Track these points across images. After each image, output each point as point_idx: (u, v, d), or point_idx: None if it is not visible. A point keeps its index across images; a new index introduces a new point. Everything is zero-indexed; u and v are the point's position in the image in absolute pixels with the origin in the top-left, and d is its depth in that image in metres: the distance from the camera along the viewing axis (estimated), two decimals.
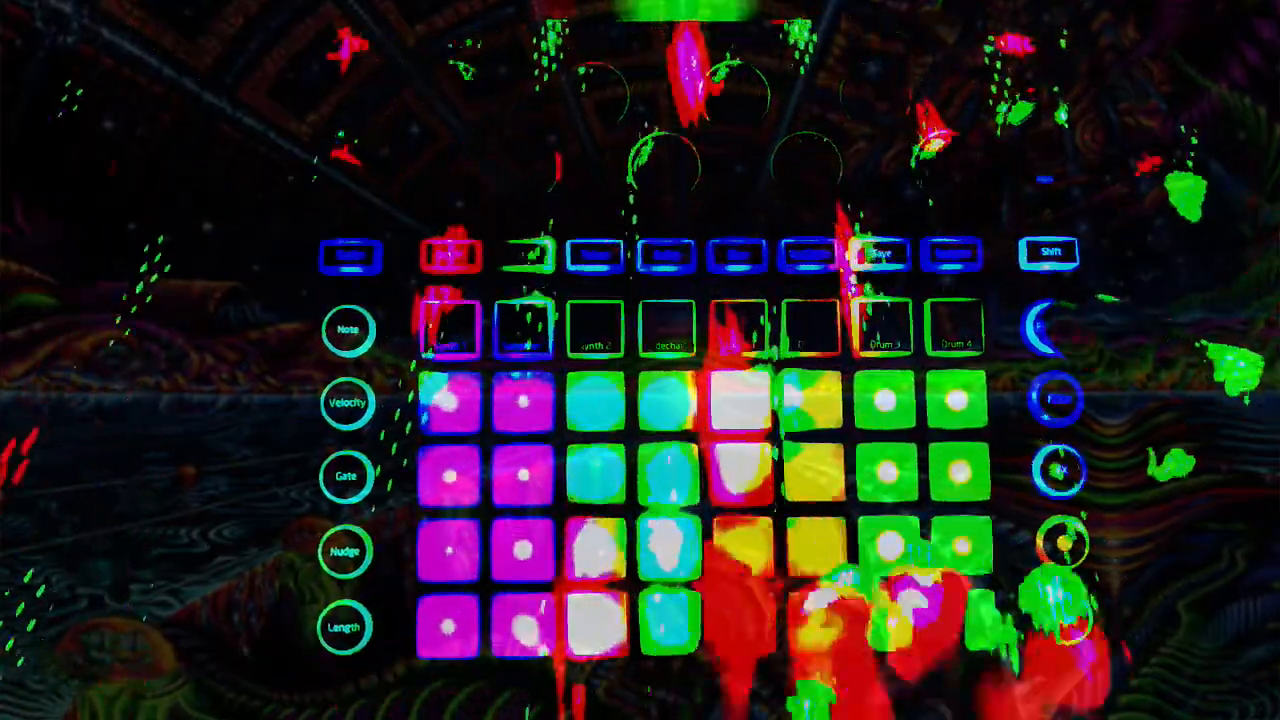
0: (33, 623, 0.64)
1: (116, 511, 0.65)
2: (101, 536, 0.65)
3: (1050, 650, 0.66)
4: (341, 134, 0.68)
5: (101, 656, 0.64)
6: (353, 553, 0.66)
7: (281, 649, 0.66)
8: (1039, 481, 0.68)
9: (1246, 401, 0.66)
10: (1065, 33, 0.68)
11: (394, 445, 0.67)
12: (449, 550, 0.66)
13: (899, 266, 0.69)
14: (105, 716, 0.64)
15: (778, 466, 0.68)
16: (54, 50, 0.67)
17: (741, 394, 0.69)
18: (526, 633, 0.66)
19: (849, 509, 0.68)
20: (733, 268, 0.69)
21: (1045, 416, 0.68)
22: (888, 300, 0.69)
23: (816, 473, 0.68)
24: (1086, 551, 0.67)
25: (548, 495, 0.67)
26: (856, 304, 0.69)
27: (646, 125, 0.70)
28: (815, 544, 0.67)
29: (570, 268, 0.69)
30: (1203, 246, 0.69)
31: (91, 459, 0.65)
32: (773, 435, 0.68)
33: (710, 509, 0.67)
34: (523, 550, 0.67)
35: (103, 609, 0.65)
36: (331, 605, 0.66)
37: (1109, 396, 0.69)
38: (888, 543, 0.67)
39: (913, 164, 0.70)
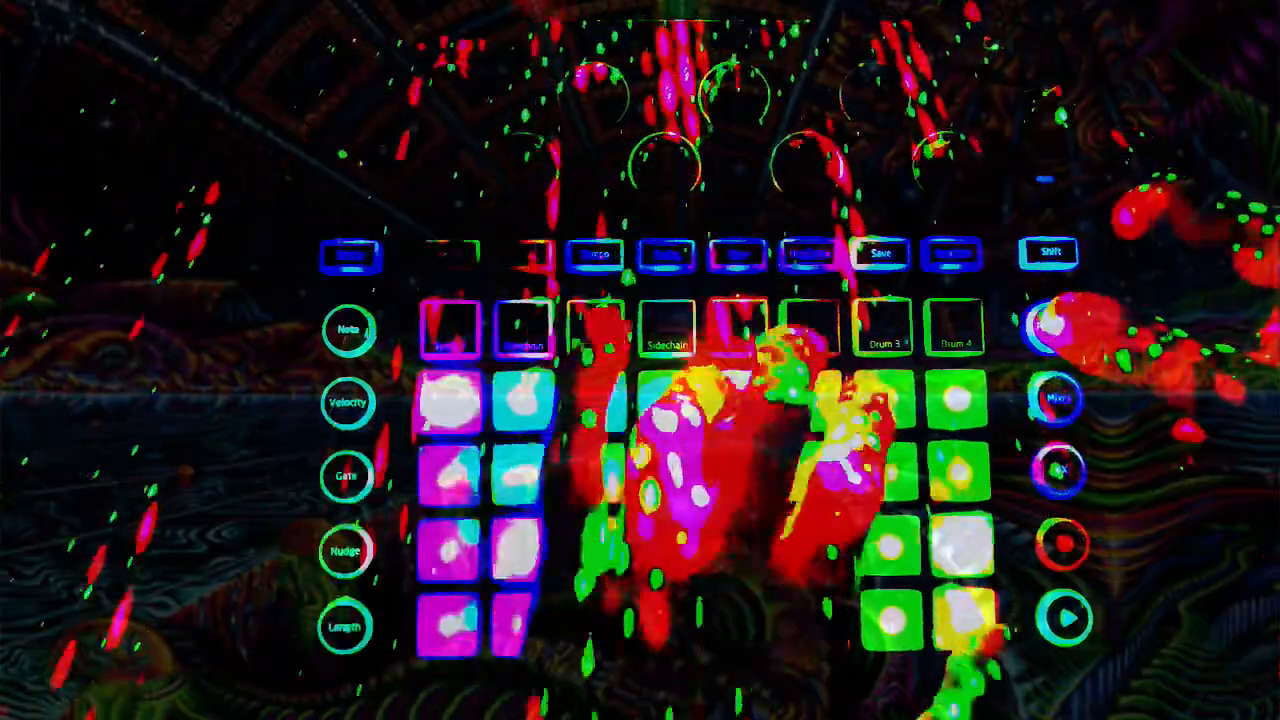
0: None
1: (114, 512, 0.65)
2: (99, 537, 0.65)
3: None
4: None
5: (99, 658, 0.64)
6: (353, 553, 0.66)
7: (280, 650, 0.65)
8: (1039, 481, 0.68)
9: None
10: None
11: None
12: (449, 550, 0.66)
13: (899, 266, 0.69)
14: (102, 718, 0.64)
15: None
16: (51, 48, 0.67)
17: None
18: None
19: None
20: (733, 268, 0.69)
21: (1045, 417, 0.68)
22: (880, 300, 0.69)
23: None
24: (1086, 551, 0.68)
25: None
26: (857, 304, 0.69)
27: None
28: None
29: (570, 268, 0.69)
30: (1203, 246, 0.69)
31: (89, 459, 0.65)
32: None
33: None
34: (522, 549, 0.67)
35: (100, 610, 0.64)
36: (332, 605, 0.65)
37: (1110, 397, 0.68)
38: (887, 544, 0.68)
39: (915, 171, 0.70)
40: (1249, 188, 0.69)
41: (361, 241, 0.68)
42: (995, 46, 0.67)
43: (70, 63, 0.67)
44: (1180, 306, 0.69)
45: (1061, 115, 0.71)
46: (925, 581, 0.67)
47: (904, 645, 0.67)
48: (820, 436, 0.65)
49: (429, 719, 0.65)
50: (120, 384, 0.66)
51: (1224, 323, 0.69)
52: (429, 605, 0.66)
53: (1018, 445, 0.68)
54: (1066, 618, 0.67)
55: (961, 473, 0.68)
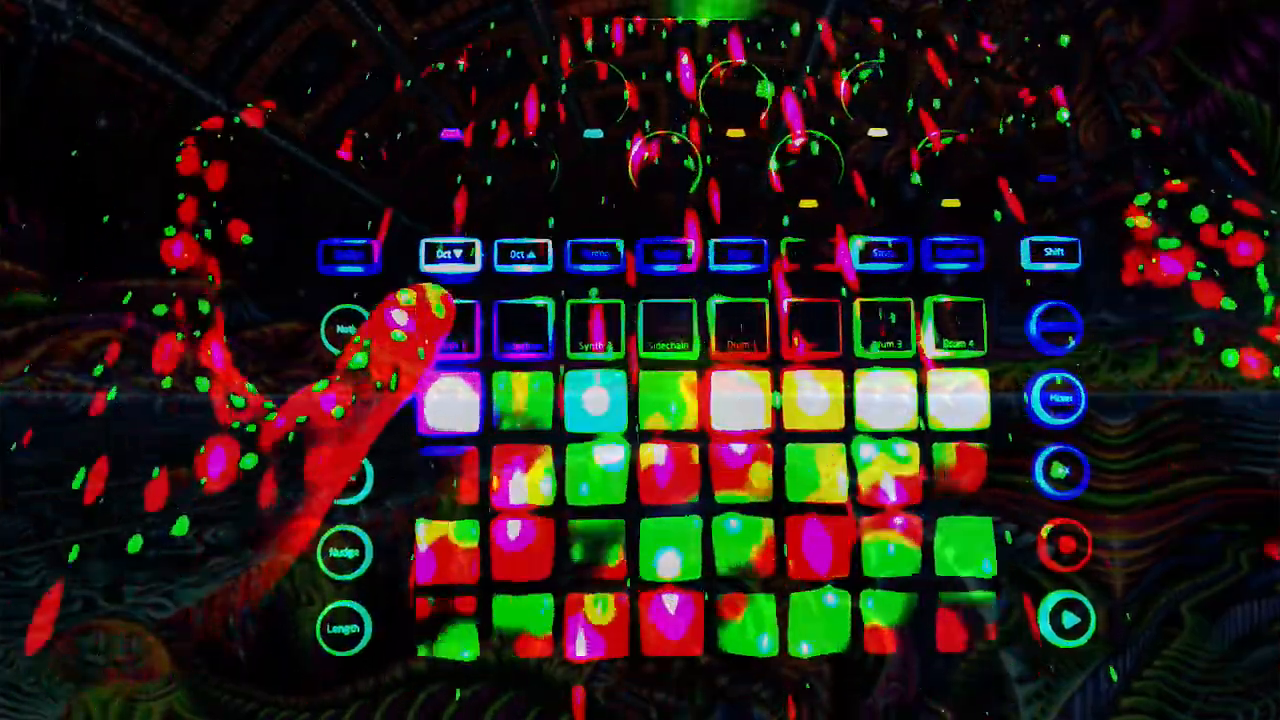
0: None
1: (110, 513, 0.65)
2: (95, 538, 0.65)
3: None
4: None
5: (96, 659, 0.64)
6: (351, 554, 0.66)
7: (278, 651, 0.65)
8: (1040, 482, 0.68)
9: None
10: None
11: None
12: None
13: (900, 266, 0.69)
14: (100, 719, 0.64)
15: (778, 466, 0.68)
16: (48, 47, 0.66)
17: (742, 394, 0.68)
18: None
19: (849, 509, 0.67)
20: (733, 267, 0.69)
21: (1047, 417, 0.68)
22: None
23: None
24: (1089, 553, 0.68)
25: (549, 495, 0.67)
26: (857, 304, 0.69)
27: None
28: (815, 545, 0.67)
29: (570, 268, 0.68)
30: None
31: (85, 460, 0.65)
32: (774, 435, 0.68)
33: (712, 508, 0.67)
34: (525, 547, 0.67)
35: (97, 611, 0.64)
36: (330, 606, 0.65)
37: (1113, 397, 0.68)
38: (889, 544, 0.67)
39: (915, 177, 0.70)
40: (1251, 188, 0.69)
41: (360, 241, 0.68)
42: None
43: (68, 61, 0.67)
44: (1182, 306, 0.69)
45: (1063, 114, 0.71)
46: (926, 582, 0.67)
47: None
48: None
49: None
50: (116, 384, 0.66)
51: (1225, 322, 0.69)
52: (428, 607, 0.66)
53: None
54: (1069, 619, 0.67)
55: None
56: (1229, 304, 0.68)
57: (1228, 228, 0.68)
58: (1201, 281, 0.68)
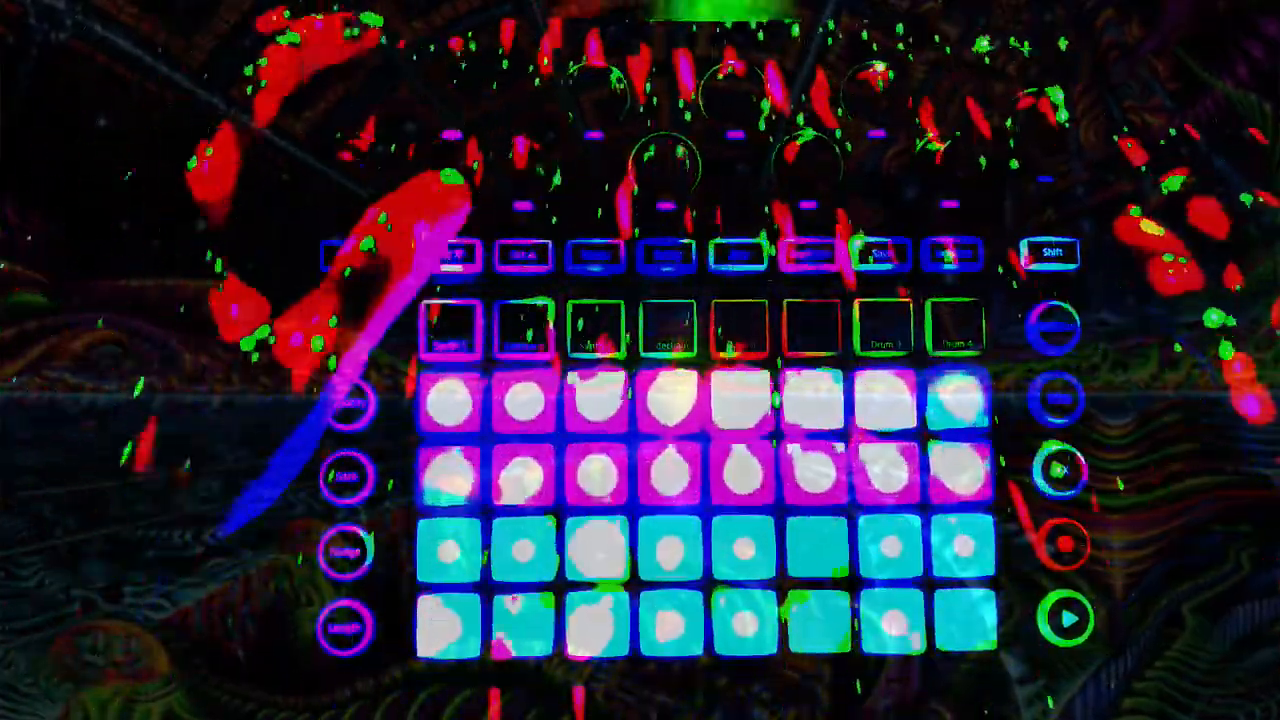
0: None
1: (109, 513, 0.65)
2: (94, 538, 0.64)
3: None
4: (339, 135, 0.68)
5: (95, 659, 0.64)
6: (352, 554, 0.66)
7: (277, 652, 0.65)
8: (1040, 482, 0.68)
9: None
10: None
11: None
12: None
13: (897, 265, 0.69)
14: None
15: (776, 466, 0.68)
16: (47, 46, 0.66)
17: (741, 394, 0.68)
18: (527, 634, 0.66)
19: (849, 509, 0.67)
20: (733, 268, 0.69)
21: (1046, 416, 0.68)
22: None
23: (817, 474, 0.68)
24: (1087, 553, 0.67)
25: (549, 495, 0.67)
26: (857, 304, 0.69)
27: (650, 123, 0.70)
28: (815, 544, 0.67)
29: (570, 268, 0.68)
30: (1206, 246, 0.69)
31: (84, 460, 0.65)
32: (773, 435, 0.68)
33: (710, 509, 0.67)
34: (523, 551, 0.67)
35: (96, 611, 0.64)
36: (331, 607, 0.65)
37: (1113, 397, 0.68)
38: (888, 544, 0.67)
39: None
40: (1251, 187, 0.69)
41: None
42: (987, 44, 0.67)
43: (67, 61, 0.67)
44: (1183, 306, 0.69)
45: (1063, 114, 0.71)
46: (926, 582, 0.67)
47: (905, 648, 0.67)
48: None
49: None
50: (115, 384, 0.66)
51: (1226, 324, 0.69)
52: (428, 607, 0.66)
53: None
54: (1067, 618, 0.67)
55: (963, 473, 0.68)
56: (1174, 258, 0.68)
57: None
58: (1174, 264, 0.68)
